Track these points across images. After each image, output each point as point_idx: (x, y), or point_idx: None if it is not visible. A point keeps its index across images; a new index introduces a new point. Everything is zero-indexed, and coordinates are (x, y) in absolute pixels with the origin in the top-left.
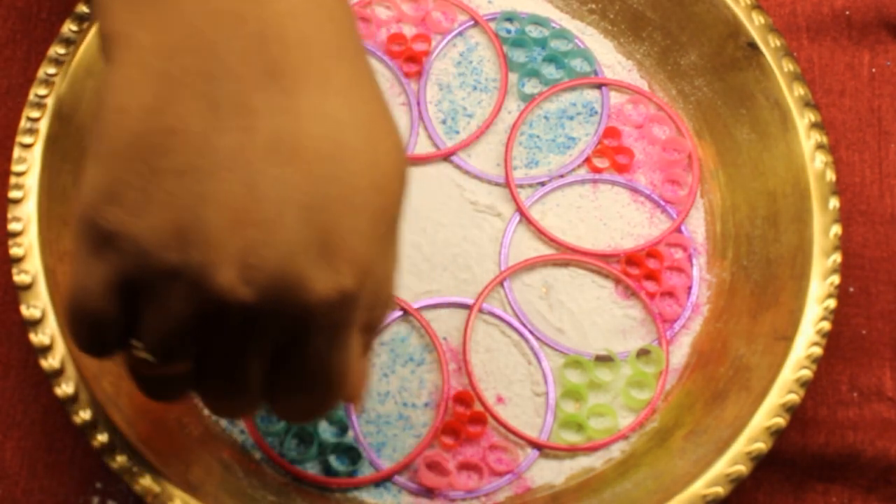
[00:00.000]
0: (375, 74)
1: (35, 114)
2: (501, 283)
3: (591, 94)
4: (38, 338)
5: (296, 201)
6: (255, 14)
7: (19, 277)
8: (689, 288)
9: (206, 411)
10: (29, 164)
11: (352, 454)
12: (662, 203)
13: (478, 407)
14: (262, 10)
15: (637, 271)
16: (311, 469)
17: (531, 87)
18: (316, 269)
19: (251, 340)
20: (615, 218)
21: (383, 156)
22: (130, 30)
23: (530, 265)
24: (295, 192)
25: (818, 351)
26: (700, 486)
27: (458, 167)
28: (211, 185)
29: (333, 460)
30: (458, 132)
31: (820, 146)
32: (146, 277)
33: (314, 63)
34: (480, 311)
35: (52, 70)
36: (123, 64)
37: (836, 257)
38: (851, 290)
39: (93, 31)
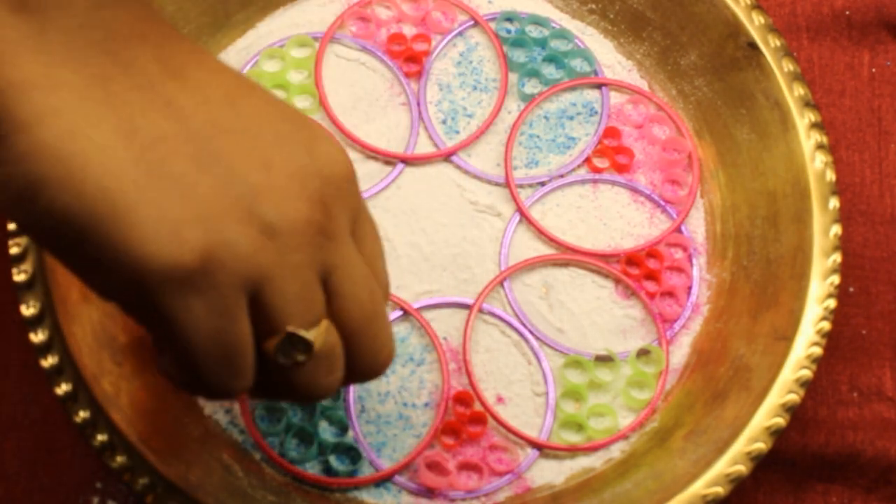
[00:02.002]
0: None
1: None
2: (501, 283)
3: (591, 94)
4: (37, 337)
5: (270, 120)
6: (154, 31)
7: (19, 277)
8: (689, 288)
9: (207, 411)
10: None
11: (352, 454)
12: (662, 203)
13: (478, 407)
14: (156, 28)
15: (637, 271)
16: (311, 469)
17: (531, 87)
18: (325, 146)
19: (347, 239)
20: (615, 218)
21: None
22: (48, 71)
23: (530, 265)
24: (262, 115)
25: (818, 351)
26: (700, 486)
27: (458, 167)
28: (220, 152)
29: (333, 460)
30: (458, 132)
31: (820, 146)
32: (256, 262)
33: (195, 50)
34: (480, 311)
35: None
36: (65, 108)
37: (836, 257)
38: (851, 290)
39: None
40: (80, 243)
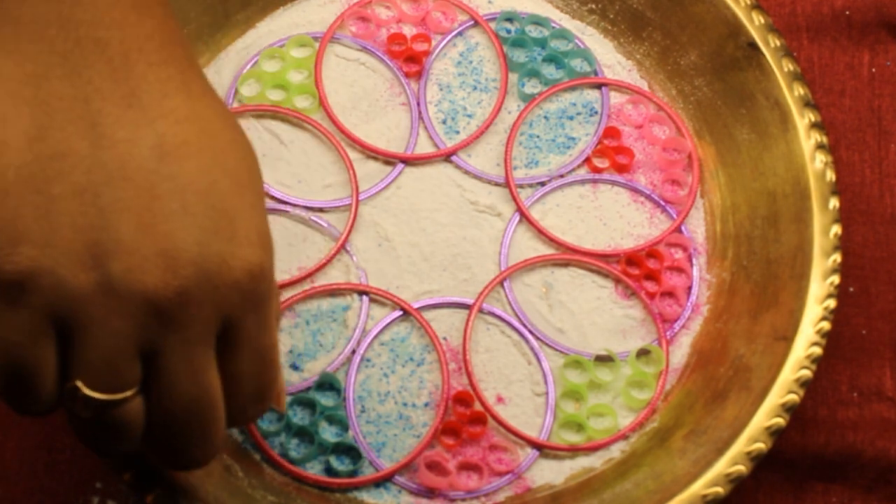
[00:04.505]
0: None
1: None
2: (501, 283)
3: (591, 94)
4: None
5: (193, 191)
6: (117, 39)
7: None
8: (689, 288)
9: None
10: None
11: (352, 454)
12: (662, 203)
13: (478, 407)
14: (123, 34)
15: (637, 271)
16: (312, 469)
17: (531, 87)
18: (232, 245)
19: (196, 337)
20: (615, 218)
21: (245, 143)
22: None
23: (530, 265)
24: (190, 183)
25: (818, 351)
26: (700, 486)
27: (458, 167)
28: (110, 196)
29: (333, 460)
30: (458, 132)
31: (820, 146)
32: (75, 305)
33: (174, 76)
34: (480, 311)
35: None
36: None
37: (836, 257)
38: (851, 290)
39: None
40: None
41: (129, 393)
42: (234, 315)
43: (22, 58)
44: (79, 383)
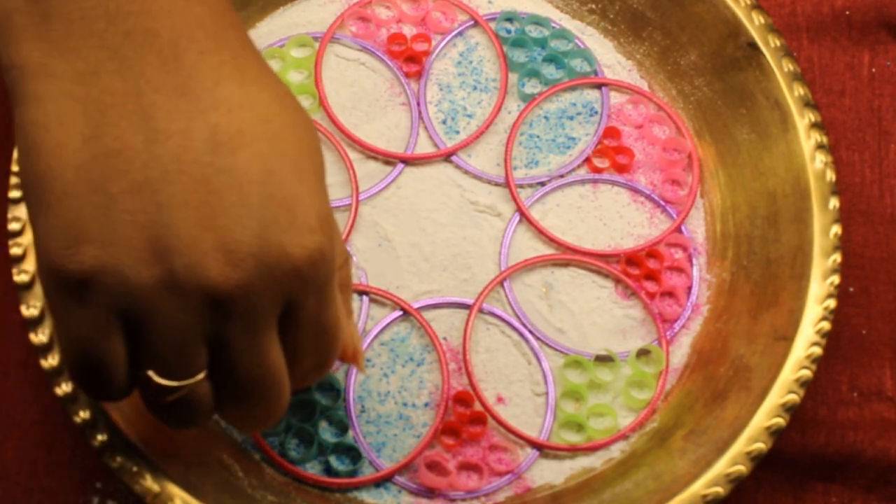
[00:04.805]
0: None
1: None
2: (501, 283)
3: (591, 94)
4: (38, 337)
5: (250, 182)
6: (166, 28)
7: (19, 277)
8: (689, 288)
9: None
10: None
11: (352, 454)
12: (662, 203)
13: (478, 407)
14: (172, 23)
15: (637, 271)
16: (311, 469)
17: (531, 87)
18: (290, 234)
19: (259, 325)
20: (615, 218)
21: (304, 124)
22: (43, 59)
23: (530, 265)
24: (246, 174)
25: (818, 351)
26: (700, 486)
27: (458, 167)
28: (168, 191)
29: (333, 460)
30: (458, 132)
31: (820, 146)
32: (139, 302)
33: (227, 62)
34: (480, 311)
35: None
36: (45, 97)
37: (836, 257)
38: (851, 290)
39: None
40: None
41: (198, 378)
42: (296, 298)
43: (73, 55)
44: (150, 373)
